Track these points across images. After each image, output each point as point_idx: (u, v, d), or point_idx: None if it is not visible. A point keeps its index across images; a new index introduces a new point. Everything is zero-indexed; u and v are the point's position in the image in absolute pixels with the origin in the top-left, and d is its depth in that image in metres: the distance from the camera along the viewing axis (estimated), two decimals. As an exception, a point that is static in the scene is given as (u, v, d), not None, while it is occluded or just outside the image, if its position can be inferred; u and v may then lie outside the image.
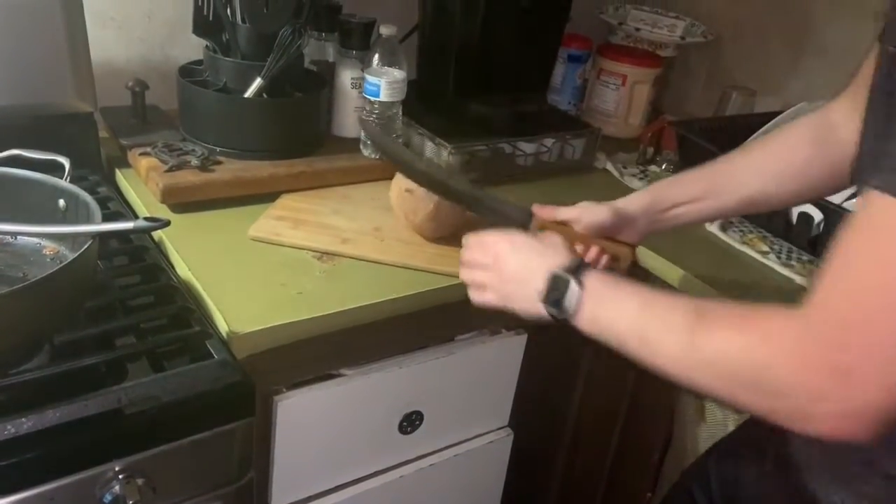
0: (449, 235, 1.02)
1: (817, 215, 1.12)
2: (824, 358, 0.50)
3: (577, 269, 0.70)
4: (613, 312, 0.66)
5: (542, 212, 0.89)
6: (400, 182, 1.01)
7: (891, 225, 0.49)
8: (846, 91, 0.80)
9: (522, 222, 0.87)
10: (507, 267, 0.76)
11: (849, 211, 1.08)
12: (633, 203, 0.89)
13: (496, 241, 0.79)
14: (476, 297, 0.81)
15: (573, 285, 0.68)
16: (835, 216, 1.10)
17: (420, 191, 0.97)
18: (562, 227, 0.89)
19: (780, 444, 0.74)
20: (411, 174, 0.94)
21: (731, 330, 0.57)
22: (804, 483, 0.70)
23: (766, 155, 0.86)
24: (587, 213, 0.88)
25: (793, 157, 0.84)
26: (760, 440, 0.78)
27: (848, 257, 0.51)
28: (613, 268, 0.89)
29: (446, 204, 0.97)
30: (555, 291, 0.70)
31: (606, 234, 0.88)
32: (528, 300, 0.73)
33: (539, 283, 0.71)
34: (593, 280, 0.68)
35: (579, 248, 0.88)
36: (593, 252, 0.88)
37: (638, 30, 1.58)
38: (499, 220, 0.89)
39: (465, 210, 0.97)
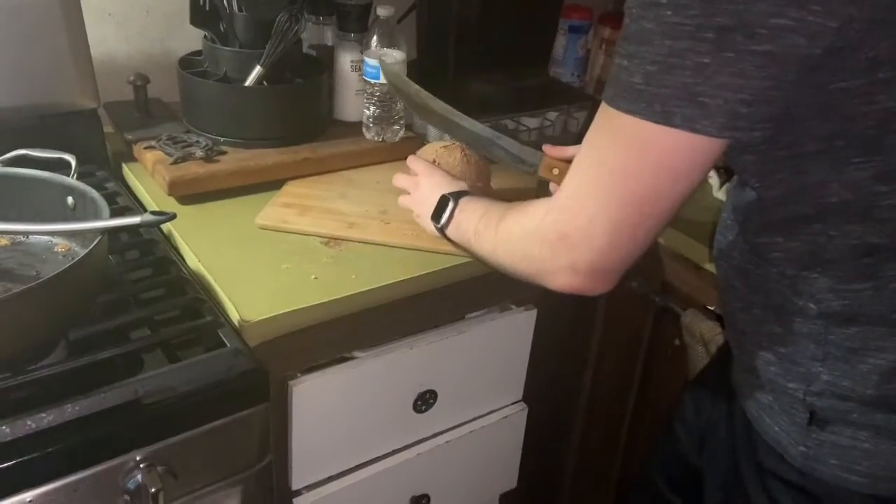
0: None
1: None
2: (553, 226, 0.66)
3: (460, 194, 0.88)
4: (466, 223, 0.84)
5: (552, 151, 0.94)
6: (429, 151, 1.04)
7: (604, 128, 0.62)
8: None
9: (533, 163, 0.94)
10: (421, 192, 0.96)
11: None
12: None
13: (420, 172, 0.98)
14: (404, 203, 1.01)
15: (451, 204, 0.87)
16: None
17: (446, 161, 1.03)
18: (569, 165, 0.91)
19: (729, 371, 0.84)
20: (428, 115, 1.04)
21: (515, 216, 0.74)
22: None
23: None
24: None
25: None
26: (722, 371, 0.86)
27: (580, 155, 0.65)
28: None
29: (471, 177, 1.02)
30: (439, 209, 0.88)
31: None
32: (426, 217, 0.92)
33: (433, 203, 0.90)
34: (464, 200, 0.87)
35: None
36: None
37: (638, -3, 1.56)
38: (511, 160, 0.96)
39: (487, 185, 1.05)
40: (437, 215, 0.89)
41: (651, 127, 0.57)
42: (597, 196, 0.62)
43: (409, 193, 1.00)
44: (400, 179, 1.02)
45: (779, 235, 0.67)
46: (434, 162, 1.02)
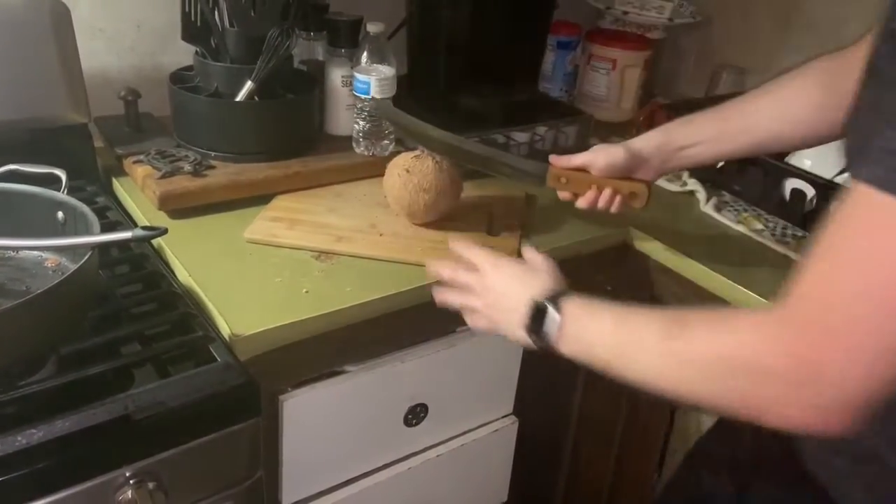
0: (443, 219, 1.04)
1: (810, 191, 1.13)
2: (803, 348, 0.50)
3: (557, 296, 0.71)
4: (591, 335, 0.67)
5: (558, 161, 0.93)
6: (399, 162, 1.03)
7: (879, 223, 0.47)
8: (865, 39, 0.77)
9: (539, 174, 0.91)
10: (493, 293, 0.78)
11: (840, 186, 1.09)
12: (646, 142, 0.93)
13: (483, 264, 0.80)
14: (469, 321, 0.83)
15: (552, 312, 0.70)
16: (827, 191, 1.11)
17: (419, 169, 1.00)
18: (577, 173, 0.94)
19: None
20: (428, 142, 0.99)
21: (707, 329, 0.57)
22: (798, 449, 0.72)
23: (780, 98, 0.87)
24: (601, 156, 0.92)
25: (805, 102, 0.84)
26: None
27: (831, 253, 0.50)
28: (630, 205, 0.95)
29: (444, 184, 1.01)
30: (536, 319, 0.71)
31: (621, 174, 0.93)
32: (513, 327, 0.75)
33: (522, 311, 0.73)
34: (571, 305, 0.69)
35: (593, 190, 0.93)
36: (607, 193, 0.93)
37: (626, 13, 1.58)
38: (516, 174, 0.93)
39: (458, 194, 1.03)
40: (535, 327, 0.72)
41: None
42: (867, 316, 0.47)
43: (454, 285, 0.84)
44: (447, 270, 0.84)
45: None
46: (407, 171, 1.01)
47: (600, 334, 0.66)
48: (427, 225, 1.04)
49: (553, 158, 0.94)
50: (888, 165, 0.46)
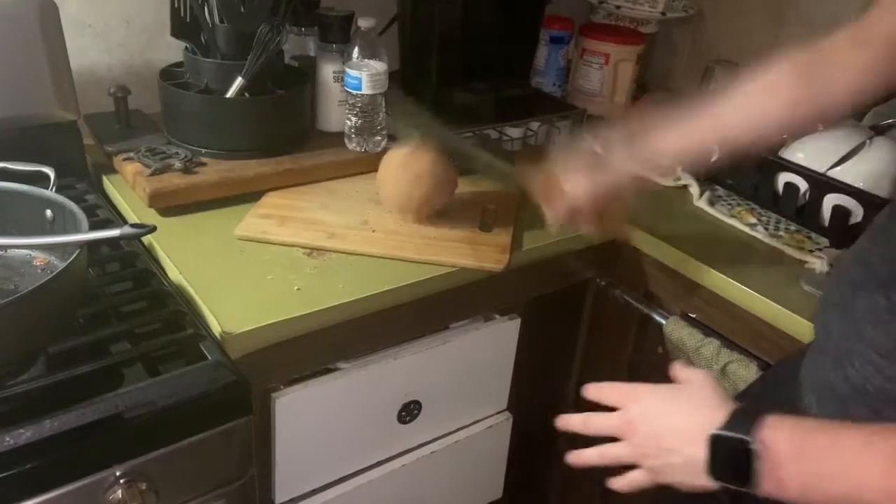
0: (435, 216, 1.04)
1: (803, 185, 1.13)
2: None
3: (745, 423, 0.56)
4: (819, 471, 0.53)
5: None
6: (393, 158, 1.03)
7: None
8: (849, 29, 0.77)
9: (507, 174, 0.91)
10: (643, 434, 0.64)
11: (833, 180, 1.09)
12: (620, 167, 0.90)
13: (622, 401, 0.66)
14: (621, 485, 0.69)
15: (749, 446, 0.55)
16: (819, 184, 1.11)
17: (414, 165, 1.00)
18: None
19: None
20: (472, 162, 1.00)
21: None
22: None
23: (749, 100, 0.84)
24: (580, 192, 0.90)
25: (776, 99, 0.81)
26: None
27: None
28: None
29: (439, 180, 1.01)
30: (723, 458, 0.57)
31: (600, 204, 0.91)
32: (688, 472, 0.60)
33: (699, 451, 0.58)
34: (774, 436, 0.55)
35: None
36: (589, 218, 0.92)
37: (619, 7, 1.57)
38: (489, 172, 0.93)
39: (453, 190, 1.03)
40: (723, 471, 0.57)
41: None
42: None
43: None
44: (577, 420, 0.70)
45: None
46: (401, 167, 1.01)
47: (831, 475, 0.53)
48: (420, 220, 1.04)
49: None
50: None
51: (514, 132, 1.33)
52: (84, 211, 0.80)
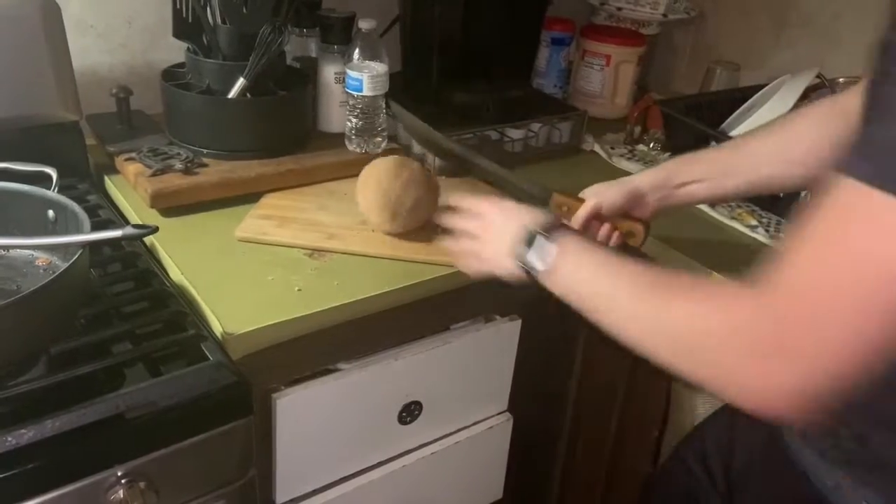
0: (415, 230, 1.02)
1: (804, 187, 1.13)
2: (774, 341, 0.51)
3: (553, 227, 0.72)
4: (583, 273, 0.68)
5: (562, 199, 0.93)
6: (371, 172, 1.01)
7: (862, 216, 0.47)
8: (859, 84, 0.79)
9: (542, 198, 0.91)
10: (496, 231, 0.79)
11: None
12: (645, 179, 0.93)
13: (489, 211, 0.81)
14: (463, 267, 0.85)
15: (545, 241, 0.71)
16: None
17: (397, 174, 0.98)
18: (579, 202, 0.93)
19: None
20: (437, 151, 1.01)
21: (687, 299, 0.58)
22: (793, 449, 0.73)
23: (779, 140, 0.88)
24: (600, 198, 0.92)
25: (803, 144, 0.85)
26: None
27: (813, 244, 0.50)
28: (628, 243, 0.94)
29: (420, 194, 0.99)
30: (528, 246, 0.72)
31: (620, 212, 0.92)
32: (504, 256, 0.75)
33: (515, 239, 0.74)
34: (567, 240, 0.71)
35: (593, 224, 0.93)
36: (605, 230, 0.93)
37: (620, 9, 1.57)
38: (519, 194, 0.93)
39: (436, 202, 1.02)
40: (522, 253, 0.73)
41: None
42: (841, 306, 0.48)
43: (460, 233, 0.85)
44: (459, 220, 0.85)
45: None
46: (378, 183, 0.99)
47: (590, 277, 0.67)
48: (397, 229, 1.01)
49: (557, 196, 0.93)
50: (877, 161, 0.46)
51: (515, 133, 1.33)
52: (86, 211, 0.80)
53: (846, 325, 0.48)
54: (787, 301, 0.51)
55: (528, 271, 0.73)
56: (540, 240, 0.72)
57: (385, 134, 1.19)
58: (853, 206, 0.48)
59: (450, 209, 0.88)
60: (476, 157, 0.98)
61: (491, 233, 0.80)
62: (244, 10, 1.07)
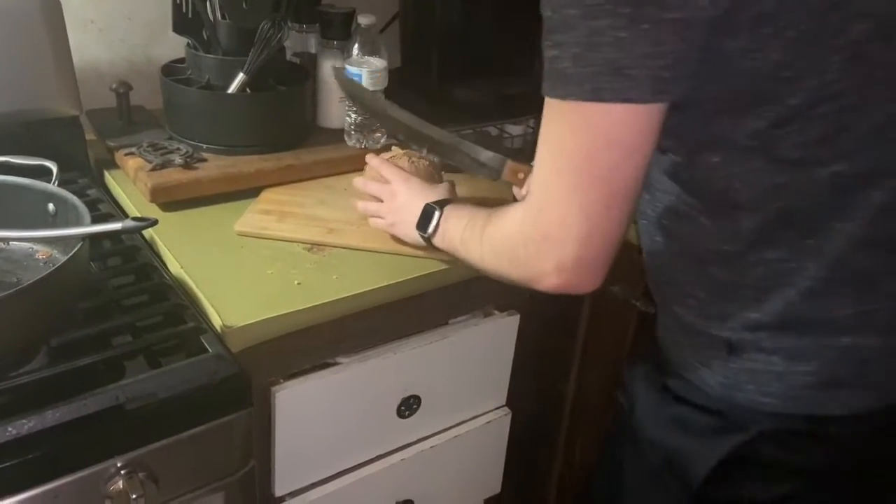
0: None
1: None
2: (533, 227, 0.67)
3: (444, 202, 0.89)
4: (451, 230, 0.86)
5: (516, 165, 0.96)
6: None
7: (552, 118, 0.63)
8: None
9: (496, 167, 0.95)
10: (399, 201, 0.95)
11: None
12: None
13: (393, 179, 0.97)
14: (371, 223, 0.99)
15: (436, 213, 0.88)
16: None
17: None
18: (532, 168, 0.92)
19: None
20: (387, 122, 1.07)
21: (496, 222, 0.75)
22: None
23: None
24: None
25: None
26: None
27: (539, 149, 0.66)
28: None
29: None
30: (424, 218, 0.89)
31: None
32: (408, 226, 0.92)
33: (417, 213, 0.90)
34: (448, 208, 0.88)
35: None
36: None
37: (619, 6, 1.57)
38: (474, 166, 0.96)
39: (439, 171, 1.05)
40: (423, 225, 0.89)
41: (588, 106, 0.60)
42: (563, 186, 0.63)
43: (373, 199, 0.99)
44: (370, 185, 1.00)
45: (693, 190, 0.71)
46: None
47: (456, 231, 0.85)
48: None
49: (511, 163, 0.94)
50: (546, 76, 0.61)
51: (515, 129, 1.34)
52: (86, 205, 0.80)
53: (570, 201, 0.63)
54: (533, 198, 0.67)
55: (426, 238, 0.89)
56: (435, 213, 0.88)
57: (384, 129, 1.19)
58: (547, 114, 0.64)
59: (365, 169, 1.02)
60: (425, 126, 0.99)
61: (397, 202, 0.95)
62: (244, 6, 1.07)
